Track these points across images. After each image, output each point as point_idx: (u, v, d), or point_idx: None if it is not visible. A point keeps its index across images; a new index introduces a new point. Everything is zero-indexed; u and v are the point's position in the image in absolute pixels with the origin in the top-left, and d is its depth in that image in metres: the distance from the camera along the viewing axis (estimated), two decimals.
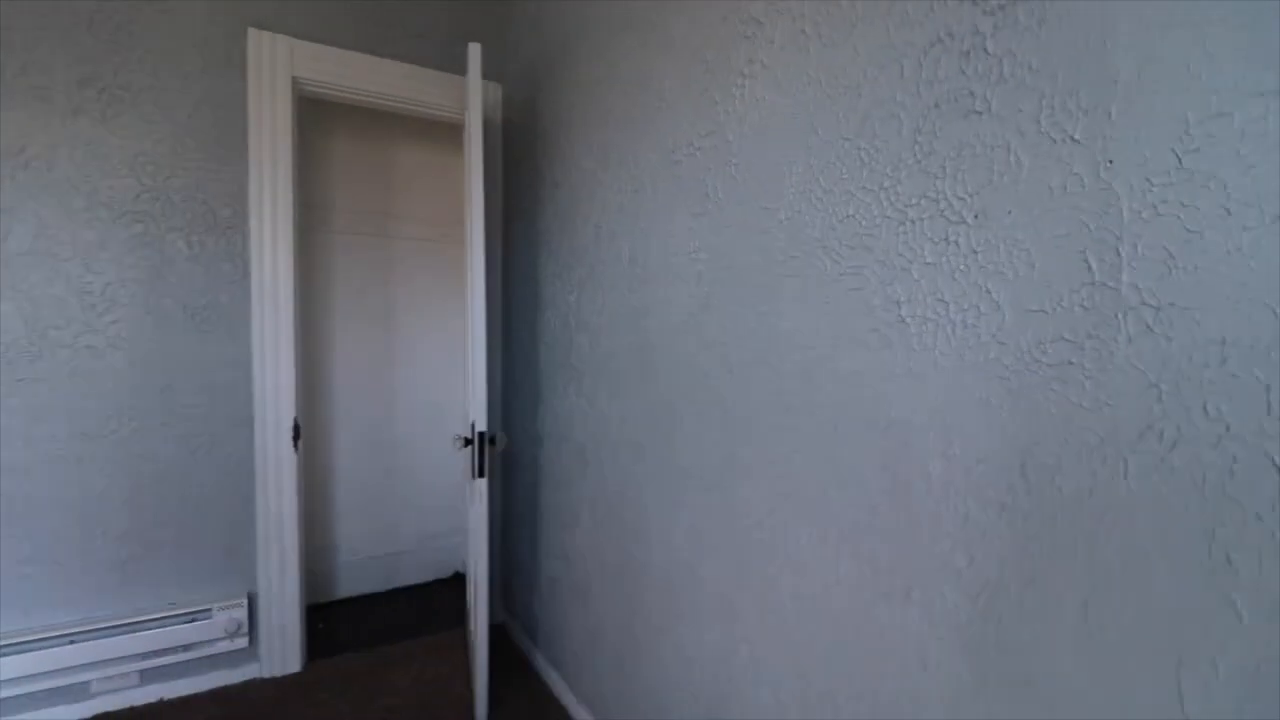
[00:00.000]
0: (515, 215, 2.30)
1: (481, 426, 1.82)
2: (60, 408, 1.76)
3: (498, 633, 2.41)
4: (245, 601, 1.99)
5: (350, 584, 2.73)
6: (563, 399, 1.94)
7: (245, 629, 1.99)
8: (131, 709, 1.87)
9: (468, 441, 1.86)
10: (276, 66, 1.95)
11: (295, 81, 1.98)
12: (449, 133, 2.75)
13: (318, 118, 2.52)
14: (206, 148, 1.88)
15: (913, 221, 0.86)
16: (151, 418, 1.87)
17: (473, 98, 1.72)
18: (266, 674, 2.06)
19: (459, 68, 2.26)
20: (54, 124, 1.69)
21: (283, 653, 2.09)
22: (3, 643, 1.68)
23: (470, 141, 1.73)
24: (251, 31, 1.90)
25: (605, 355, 1.67)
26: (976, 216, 0.78)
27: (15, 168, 1.66)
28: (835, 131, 0.97)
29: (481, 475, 1.83)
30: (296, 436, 2.07)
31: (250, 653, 2.04)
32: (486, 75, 2.34)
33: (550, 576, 2.06)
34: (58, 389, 1.75)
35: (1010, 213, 0.74)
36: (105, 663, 1.82)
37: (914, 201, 0.85)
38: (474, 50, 1.71)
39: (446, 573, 2.94)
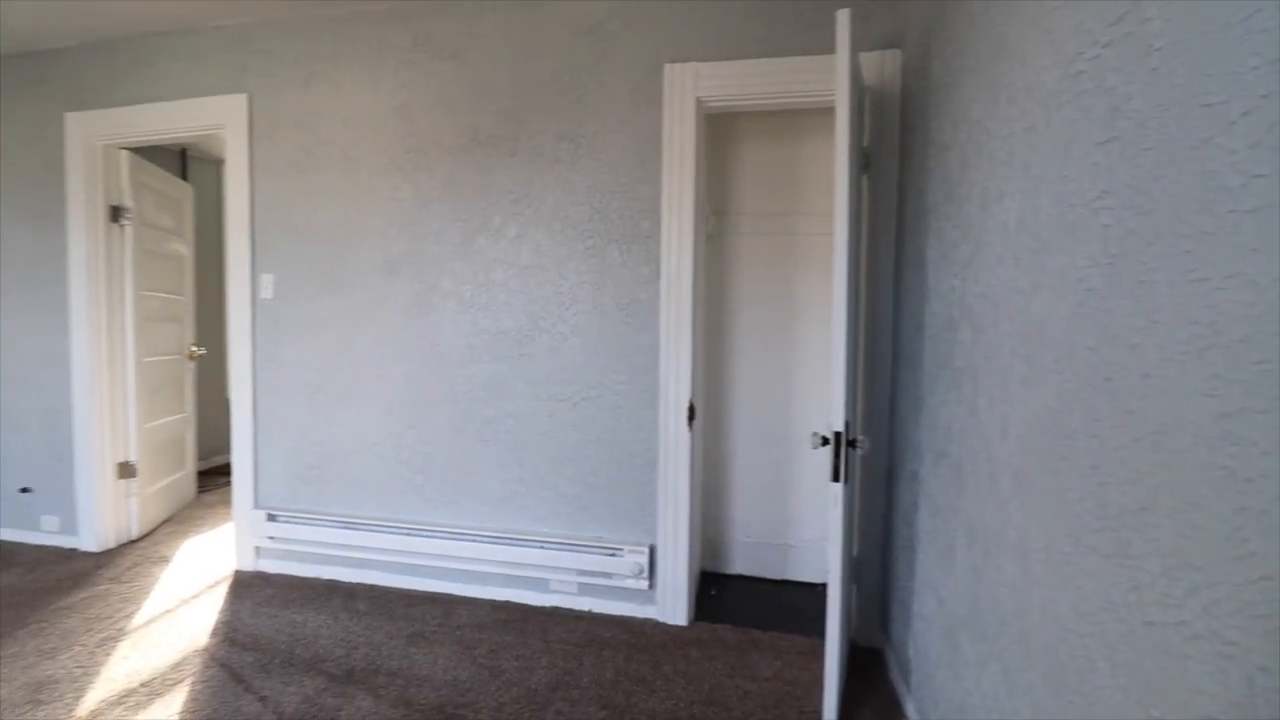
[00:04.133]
0: (908, 193, 2.02)
1: (839, 426, 1.67)
2: (543, 376, 2.44)
3: (870, 658, 2.18)
4: (647, 551, 2.36)
5: (744, 563, 2.91)
6: (942, 405, 1.61)
7: (645, 573, 2.36)
8: (573, 610, 2.46)
9: (826, 441, 1.73)
10: (685, 93, 2.22)
11: (699, 103, 2.22)
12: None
13: (729, 128, 2.76)
14: (633, 172, 2.30)
15: None
16: (594, 390, 2.40)
17: (841, 67, 1.58)
18: (660, 618, 2.39)
19: (858, 46, 2.12)
20: (544, 171, 2.35)
21: (674, 605, 2.38)
22: (505, 536, 2.45)
23: (839, 117, 1.60)
24: (666, 66, 2.22)
25: (986, 352, 1.30)
26: None
27: (523, 205, 2.38)
28: None
29: (838, 480, 1.69)
30: (691, 417, 2.33)
31: (649, 596, 2.41)
32: (885, 44, 2.12)
33: (922, 614, 1.75)
34: (542, 363, 2.43)
35: None
36: (559, 569, 2.44)
37: None
38: (842, 17, 1.57)
39: None
